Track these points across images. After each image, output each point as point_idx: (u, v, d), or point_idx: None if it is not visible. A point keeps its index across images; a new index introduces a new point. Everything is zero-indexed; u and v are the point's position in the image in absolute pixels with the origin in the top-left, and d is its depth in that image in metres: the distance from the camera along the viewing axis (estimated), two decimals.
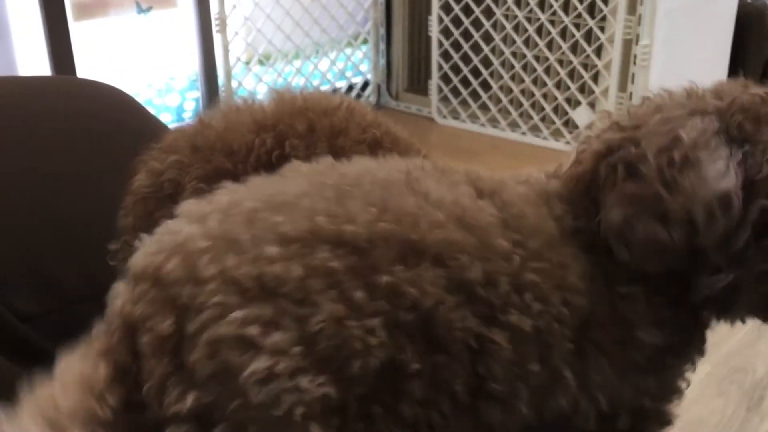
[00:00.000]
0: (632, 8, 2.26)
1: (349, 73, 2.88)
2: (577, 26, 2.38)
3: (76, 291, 0.87)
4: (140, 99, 2.22)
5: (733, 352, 1.44)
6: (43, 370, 0.53)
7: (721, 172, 0.57)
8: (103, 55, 2.13)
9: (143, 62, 2.24)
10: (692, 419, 1.27)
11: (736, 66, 2.66)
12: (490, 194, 0.59)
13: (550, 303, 0.56)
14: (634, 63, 2.28)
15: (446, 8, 2.63)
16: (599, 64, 2.35)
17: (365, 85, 2.93)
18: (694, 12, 2.38)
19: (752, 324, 1.52)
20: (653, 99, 0.66)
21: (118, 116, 1.03)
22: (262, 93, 2.39)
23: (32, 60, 1.96)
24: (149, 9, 2.21)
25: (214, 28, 2.33)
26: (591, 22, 2.34)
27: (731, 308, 0.65)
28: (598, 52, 2.37)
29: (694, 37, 2.40)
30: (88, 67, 2.06)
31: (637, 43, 2.25)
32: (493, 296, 0.53)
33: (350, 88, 2.81)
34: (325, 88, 2.70)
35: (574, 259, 0.59)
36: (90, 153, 0.96)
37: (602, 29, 2.33)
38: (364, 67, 2.94)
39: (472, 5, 2.57)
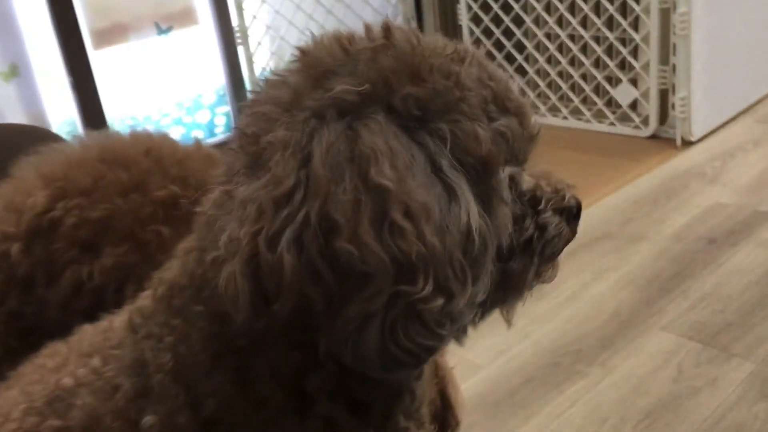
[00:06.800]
0: None
1: None
2: None
3: None
4: (169, 119, 2.26)
5: None
6: None
7: (451, 207, 0.41)
8: (128, 80, 2.16)
9: (169, 82, 2.25)
10: (729, 425, 1.16)
11: None
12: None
13: None
14: (674, 33, 2.12)
15: None
16: (637, 37, 2.20)
17: None
18: None
19: None
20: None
21: None
22: None
23: (56, 93, 2.01)
24: (170, 29, 2.23)
25: (237, 41, 2.32)
26: None
27: None
28: (635, 24, 2.22)
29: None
30: (112, 94, 2.09)
31: (675, 11, 2.10)
32: None
33: None
34: None
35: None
36: None
37: (637, 0, 2.18)
38: None
39: None
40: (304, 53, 0.47)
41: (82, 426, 0.49)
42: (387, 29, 0.46)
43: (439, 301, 0.40)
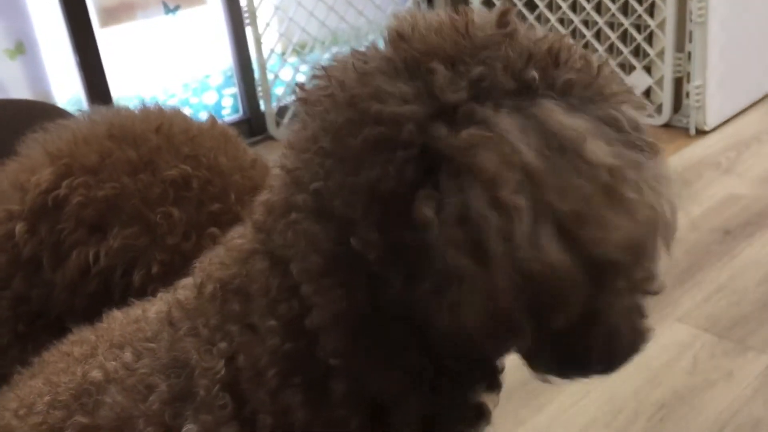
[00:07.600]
0: None
1: None
2: None
3: None
4: (176, 99, 2.23)
5: None
6: None
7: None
8: (134, 59, 2.12)
9: (176, 62, 2.22)
10: (746, 420, 1.14)
11: None
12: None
13: None
14: (690, 20, 2.08)
15: None
16: (652, 23, 2.16)
17: None
18: None
19: None
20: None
21: None
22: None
23: (62, 71, 1.98)
24: (177, 8, 2.19)
25: (245, 21, 2.28)
26: None
27: None
28: (651, 10, 2.18)
29: None
30: (118, 73, 2.06)
31: None
32: None
33: None
34: None
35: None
36: None
37: None
38: None
39: None
40: (402, 38, 0.43)
41: (111, 427, 0.46)
42: (504, 13, 0.42)
43: (657, 284, 0.39)
